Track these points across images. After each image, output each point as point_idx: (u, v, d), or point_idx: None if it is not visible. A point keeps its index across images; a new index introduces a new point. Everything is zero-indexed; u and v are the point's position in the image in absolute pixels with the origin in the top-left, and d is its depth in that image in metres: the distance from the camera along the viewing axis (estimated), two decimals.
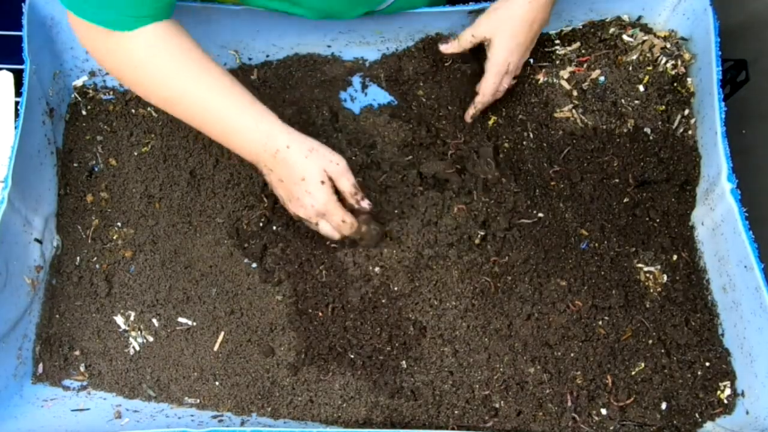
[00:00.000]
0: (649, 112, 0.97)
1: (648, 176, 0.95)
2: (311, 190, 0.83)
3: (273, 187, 0.88)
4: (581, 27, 1.02)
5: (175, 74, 0.82)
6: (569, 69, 1.00)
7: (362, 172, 0.95)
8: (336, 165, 0.84)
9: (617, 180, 0.95)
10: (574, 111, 0.98)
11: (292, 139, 0.83)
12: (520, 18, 0.90)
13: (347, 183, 0.85)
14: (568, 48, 1.01)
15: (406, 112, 1.01)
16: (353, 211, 0.87)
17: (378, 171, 0.96)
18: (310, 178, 0.83)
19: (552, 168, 0.96)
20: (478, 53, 1.02)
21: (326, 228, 0.87)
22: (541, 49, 1.01)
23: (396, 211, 0.92)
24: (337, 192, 0.85)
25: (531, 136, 0.98)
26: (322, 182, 0.83)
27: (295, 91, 1.03)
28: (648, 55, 0.99)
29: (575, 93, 0.99)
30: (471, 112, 0.98)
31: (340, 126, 1.00)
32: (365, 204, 0.87)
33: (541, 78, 1.00)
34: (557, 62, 1.00)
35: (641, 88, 0.97)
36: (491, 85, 0.94)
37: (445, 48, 0.98)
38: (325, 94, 1.03)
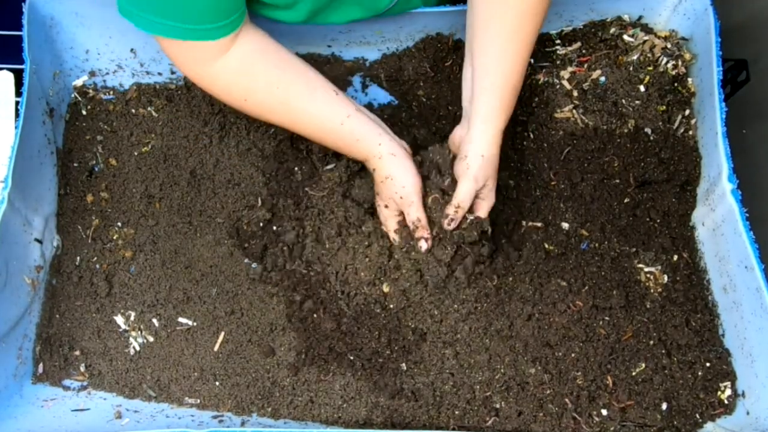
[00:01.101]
0: (649, 112, 0.97)
1: (648, 176, 0.95)
2: (392, 191, 0.85)
3: (376, 185, 0.89)
4: (582, 27, 1.02)
5: (275, 81, 0.85)
6: (570, 69, 1.00)
7: (361, 173, 0.95)
8: (397, 194, 0.85)
9: (618, 180, 0.95)
10: (574, 111, 0.98)
11: (383, 150, 0.85)
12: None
13: (411, 216, 0.85)
14: (569, 48, 1.01)
15: (407, 112, 1.01)
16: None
17: None
18: (397, 179, 0.84)
19: (552, 168, 0.96)
20: None
21: (395, 224, 0.88)
22: (542, 49, 1.01)
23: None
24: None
25: (531, 136, 0.98)
26: (404, 186, 0.84)
27: None
28: (648, 55, 0.98)
29: (576, 93, 0.99)
30: (446, 221, 0.85)
31: None
32: (422, 245, 0.85)
33: (541, 78, 1.00)
34: (558, 62, 1.00)
35: (642, 88, 0.97)
36: (468, 190, 0.84)
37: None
38: None
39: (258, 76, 0.85)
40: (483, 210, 0.86)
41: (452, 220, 0.84)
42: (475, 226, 0.85)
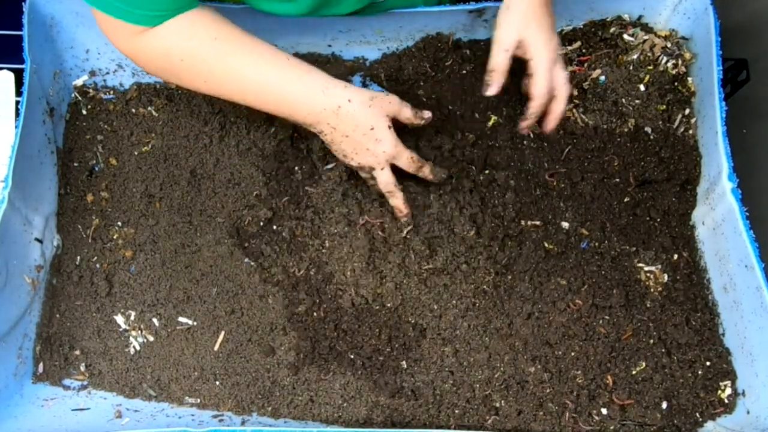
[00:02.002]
0: (649, 111, 0.97)
1: (649, 176, 0.95)
2: (381, 137, 0.85)
3: (335, 144, 0.88)
4: (582, 26, 1.02)
5: (219, 56, 0.83)
6: (570, 68, 1.00)
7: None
8: (391, 104, 0.86)
9: (618, 179, 0.95)
10: (574, 110, 0.98)
11: (352, 93, 0.84)
12: (539, 5, 0.87)
13: (408, 110, 0.87)
14: (569, 47, 1.01)
15: None
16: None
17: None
18: (378, 126, 0.85)
19: (552, 168, 0.96)
20: (478, 54, 1.02)
21: (386, 176, 0.88)
22: None
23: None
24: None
25: (531, 135, 0.98)
26: (389, 127, 0.85)
27: None
28: (649, 54, 0.99)
29: (576, 92, 0.99)
30: (526, 123, 0.92)
31: None
32: (427, 114, 0.88)
33: None
34: None
35: (642, 87, 0.97)
36: (544, 83, 0.88)
37: (492, 90, 0.90)
38: None
39: (200, 35, 0.83)
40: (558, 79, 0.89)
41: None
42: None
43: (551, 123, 0.92)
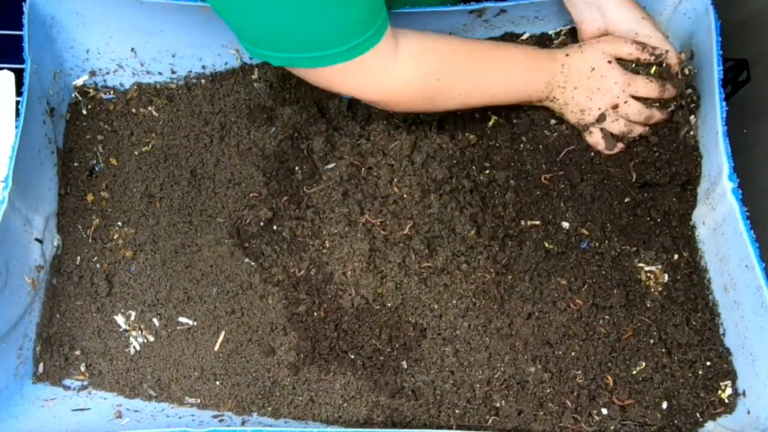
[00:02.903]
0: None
1: (650, 178, 0.95)
2: (605, 72, 0.88)
3: (569, 105, 0.91)
4: None
5: (466, 66, 0.86)
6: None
7: (360, 175, 0.95)
8: (602, 42, 0.89)
9: (618, 180, 0.95)
10: None
11: (567, 49, 0.91)
12: None
13: (626, 47, 0.89)
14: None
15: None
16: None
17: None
18: (597, 65, 0.88)
19: (553, 168, 0.96)
20: None
21: (634, 106, 0.89)
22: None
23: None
24: None
25: (531, 135, 0.98)
26: (609, 62, 0.88)
27: (296, 91, 1.03)
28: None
29: None
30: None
31: (340, 124, 1.00)
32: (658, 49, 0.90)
33: None
34: None
35: None
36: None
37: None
38: (326, 93, 1.02)
39: (441, 50, 0.83)
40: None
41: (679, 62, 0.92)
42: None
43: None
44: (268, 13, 0.71)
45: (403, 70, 0.81)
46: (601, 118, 0.91)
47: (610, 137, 0.92)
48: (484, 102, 0.91)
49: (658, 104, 0.91)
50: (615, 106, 0.90)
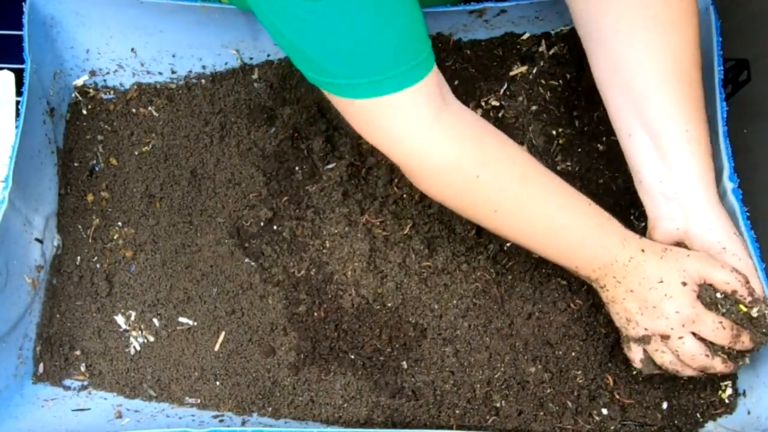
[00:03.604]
0: None
1: None
2: (671, 293, 0.70)
3: (616, 304, 0.74)
4: None
5: (519, 188, 0.69)
6: None
7: (360, 175, 0.95)
8: (692, 258, 0.71)
9: (619, 180, 0.95)
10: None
11: (646, 243, 0.73)
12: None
13: (722, 274, 0.70)
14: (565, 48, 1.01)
15: None
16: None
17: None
18: (669, 280, 0.70)
19: (553, 168, 0.96)
20: (479, 55, 1.02)
21: (689, 347, 0.71)
22: None
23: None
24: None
25: (530, 135, 0.98)
26: (684, 283, 0.70)
27: (296, 91, 1.03)
28: None
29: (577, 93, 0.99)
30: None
31: (340, 124, 1.00)
32: (758, 300, 0.71)
33: None
34: None
35: None
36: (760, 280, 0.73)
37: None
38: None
39: (493, 145, 0.68)
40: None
41: None
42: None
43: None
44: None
45: (439, 135, 0.66)
46: (646, 340, 0.75)
47: (651, 363, 0.77)
48: (524, 243, 0.75)
49: (726, 354, 0.73)
50: (666, 336, 0.72)
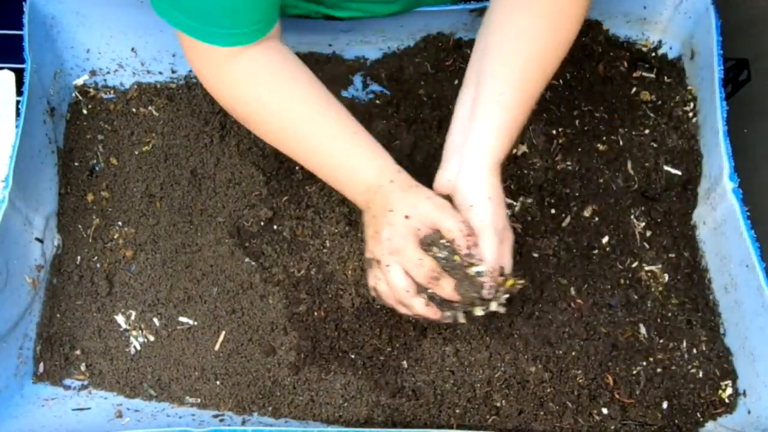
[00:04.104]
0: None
1: (650, 176, 0.95)
2: (393, 222, 0.73)
3: (364, 229, 0.79)
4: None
5: (279, 97, 0.78)
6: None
7: None
8: (430, 201, 0.74)
9: (619, 180, 0.95)
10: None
11: (399, 177, 0.76)
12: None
13: (452, 222, 0.72)
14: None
15: (407, 110, 1.01)
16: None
17: None
18: (397, 210, 0.73)
19: (553, 167, 0.96)
20: None
21: (393, 277, 0.74)
22: None
23: None
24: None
25: (530, 135, 0.98)
26: (407, 216, 0.73)
27: None
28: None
29: (580, 88, 0.99)
30: (485, 291, 0.74)
31: None
32: (476, 254, 0.72)
33: None
34: None
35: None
36: (493, 246, 0.74)
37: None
38: None
39: (261, 87, 0.78)
40: (507, 257, 0.75)
41: (492, 287, 0.73)
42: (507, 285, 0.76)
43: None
44: None
45: (224, 87, 0.80)
46: (369, 263, 0.78)
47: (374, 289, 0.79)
48: (303, 164, 0.83)
49: (430, 298, 0.75)
50: (379, 263, 0.76)
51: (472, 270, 0.73)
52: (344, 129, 0.79)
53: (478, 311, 0.76)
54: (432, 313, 0.76)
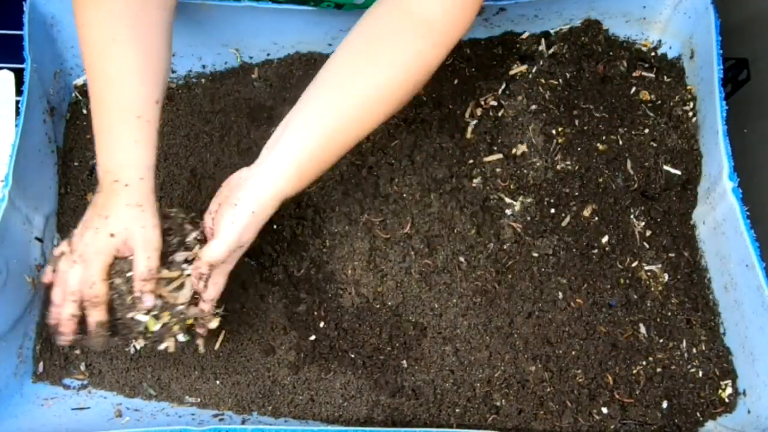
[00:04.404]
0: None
1: (650, 176, 0.95)
2: (100, 231, 0.73)
3: (91, 201, 0.77)
4: (580, 24, 1.02)
5: (92, 63, 0.75)
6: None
7: (360, 174, 0.95)
8: (144, 240, 0.73)
9: (619, 179, 0.95)
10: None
11: (137, 185, 0.74)
12: None
13: (144, 262, 0.72)
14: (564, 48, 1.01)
15: (406, 110, 1.01)
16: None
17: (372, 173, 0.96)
18: (110, 222, 0.73)
19: (553, 167, 0.96)
20: (479, 54, 1.02)
21: (73, 276, 0.73)
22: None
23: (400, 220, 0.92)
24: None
25: (530, 134, 0.98)
26: (112, 235, 0.72)
27: (296, 90, 1.02)
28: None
29: (580, 87, 0.99)
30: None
31: None
32: (146, 300, 0.73)
33: None
34: None
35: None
36: (221, 252, 0.76)
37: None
38: None
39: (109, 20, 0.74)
40: (212, 291, 0.77)
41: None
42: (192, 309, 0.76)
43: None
44: None
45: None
46: (81, 229, 0.76)
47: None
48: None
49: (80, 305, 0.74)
50: (72, 251, 0.75)
51: (134, 314, 0.74)
52: (131, 106, 0.76)
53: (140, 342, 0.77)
54: (67, 327, 0.75)
